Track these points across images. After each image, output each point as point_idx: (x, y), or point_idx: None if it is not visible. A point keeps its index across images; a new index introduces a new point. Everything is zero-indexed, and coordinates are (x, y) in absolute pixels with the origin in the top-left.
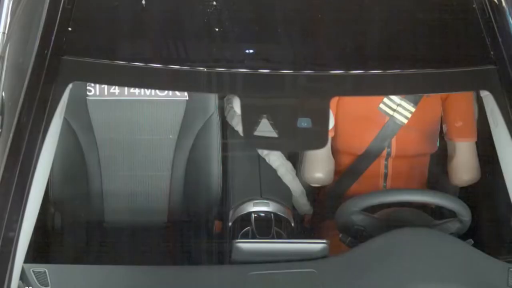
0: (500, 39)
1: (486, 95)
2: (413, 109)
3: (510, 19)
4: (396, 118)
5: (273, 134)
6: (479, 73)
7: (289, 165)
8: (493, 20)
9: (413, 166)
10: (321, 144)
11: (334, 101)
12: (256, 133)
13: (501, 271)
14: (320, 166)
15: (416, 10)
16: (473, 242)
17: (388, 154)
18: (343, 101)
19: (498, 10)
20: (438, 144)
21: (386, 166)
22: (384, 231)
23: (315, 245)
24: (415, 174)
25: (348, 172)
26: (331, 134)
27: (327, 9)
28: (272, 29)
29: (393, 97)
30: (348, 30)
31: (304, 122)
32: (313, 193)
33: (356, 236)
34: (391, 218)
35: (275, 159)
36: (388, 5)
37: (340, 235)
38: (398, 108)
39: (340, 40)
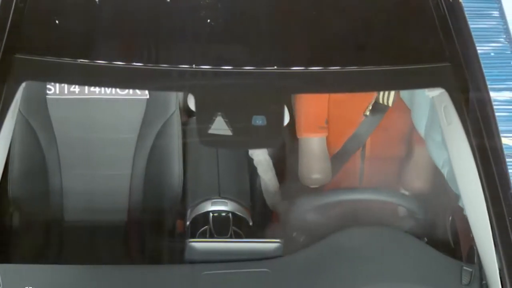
0: (454, 37)
1: (440, 92)
2: (389, 103)
3: (465, 16)
4: (371, 118)
5: (228, 131)
6: (433, 70)
7: (270, 162)
8: (448, 17)
9: (388, 168)
10: (276, 142)
11: (324, 105)
12: (210, 130)
13: (455, 269)
14: (317, 167)
15: (372, 8)
16: (426, 240)
17: (363, 155)
18: (332, 101)
19: (453, 7)
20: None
21: (362, 167)
22: (338, 230)
23: (269, 245)
24: (389, 176)
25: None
26: (325, 134)
27: (283, 7)
28: (228, 27)
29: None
30: (303, 28)
31: (258, 120)
32: (290, 188)
33: (310, 234)
34: (345, 217)
35: (259, 153)
36: (344, 3)
37: (294, 234)
38: (374, 107)
39: (295, 38)
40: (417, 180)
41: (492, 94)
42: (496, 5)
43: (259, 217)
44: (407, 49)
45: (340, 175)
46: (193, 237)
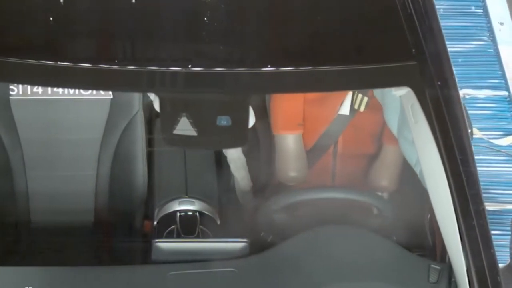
0: (421, 35)
1: (406, 91)
2: (361, 109)
3: (431, 14)
4: (344, 116)
5: (192, 132)
6: (400, 69)
7: (244, 160)
8: (414, 15)
9: (360, 166)
10: (241, 142)
11: (300, 102)
12: (175, 131)
13: (422, 267)
14: (294, 165)
15: (338, 6)
16: (395, 238)
17: (335, 152)
18: (307, 100)
19: (419, 5)
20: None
21: (334, 164)
22: (306, 229)
23: (235, 244)
24: (361, 174)
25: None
26: (301, 131)
27: (246, 6)
28: (192, 27)
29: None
30: (267, 27)
31: (223, 120)
32: (262, 186)
33: (278, 234)
34: (313, 216)
35: (233, 151)
36: (312, 3)
37: (262, 233)
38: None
39: (259, 38)
40: (383, 178)
41: (473, 92)
42: (480, 3)
43: (227, 216)
44: (374, 48)
45: (312, 173)
46: (161, 237)
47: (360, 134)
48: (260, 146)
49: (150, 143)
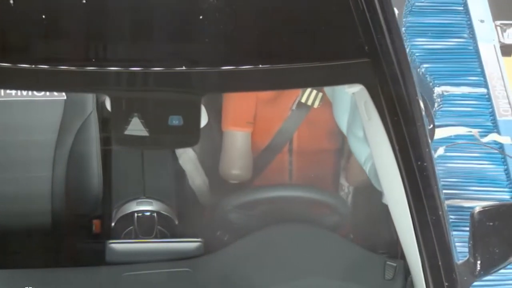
0: (373, 32)
1: (359, 88)
2: (315, 105)
3: (384, 11)
4: (297, 112)
5: (144, 132)
6: (353, 66)
7: (191, 153)
8: (366, 12)
9: (317, 162)
10: (193, 142)
11: (253, 100)
12: (127, 132)
13: (378, 264)
14: (238, 163)
15: (290, 3)
16: (352, 236)
17: (291, 150)
18: (259, 98)
19: (372, 2)
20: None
21: (290, 163)
22: (261, 228)
23: (190, 244)
24: (319, 171)
25: (252, 167)
26: (250, 129)
27: (196, 5)
28: (142, 27)
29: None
30: (217, 26)
31: (175, 120)
32: (219, 185)
33: (234, 233)
34: (269, 214)
35: (182, 150)
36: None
37: (219, 232)
38: (299, 103)
39: (210, 37)
40: (359, 172)
41: (452, 89)
42: (461, 0)
43: (185, 216)
44: (326, 45)
45: (268, 171)
46: (119, 238)
47: (316, 130)
48: (217, 144)
49: (106, 143)
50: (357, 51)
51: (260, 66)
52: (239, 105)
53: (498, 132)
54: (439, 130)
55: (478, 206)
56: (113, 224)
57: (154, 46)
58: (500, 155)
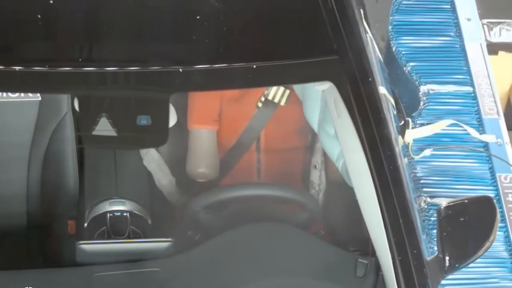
0: (342, 29)
1: (329, 86)
2: (282, 103)
3: (352, 9)
4: (264, 110)
5: (113, 132)
6: (322, 63)
7: (155, 153)
8: (335, 10)
9: (286, 160)
10: (161, 141)
11: (217, 99)
12: (95, 132)
13: (349, 262)
14: (204, 161)
15: (257, 2)
16: (323, 233)
17: (258, 148)
18: (224, 96)
19: (340, 0)
20: (310, 138)
21: (258, 161)
22: (231, 227)
23: (160, 244)
24: (288, 168)
25: (220, 166)
26: (216, 127)
27: (166, 4)
28: (109, 27)
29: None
30: (186, 25)
31: (143, 120)
32: (186, 184)
33: (205, 232)
34: (239, 214)
35: (145, 150)
36: None
37: (189, 232)
38: (266, 100)
39: (178, 36)
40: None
41: (437, 87)
42: None
43: (158, 216)
44: (295, 43)
45: (236, 170)
46: (92, 238)
47: (283, 128)
48: (186, 143)
49: (81, 143)
50: (325, 48)
51: (229, 65)
52: (204, 103)
53: (484, 131)
54: (424, 128)
55: (444, 201)
56: (86, 224)
57: (121, 46)
58: (485, 153)
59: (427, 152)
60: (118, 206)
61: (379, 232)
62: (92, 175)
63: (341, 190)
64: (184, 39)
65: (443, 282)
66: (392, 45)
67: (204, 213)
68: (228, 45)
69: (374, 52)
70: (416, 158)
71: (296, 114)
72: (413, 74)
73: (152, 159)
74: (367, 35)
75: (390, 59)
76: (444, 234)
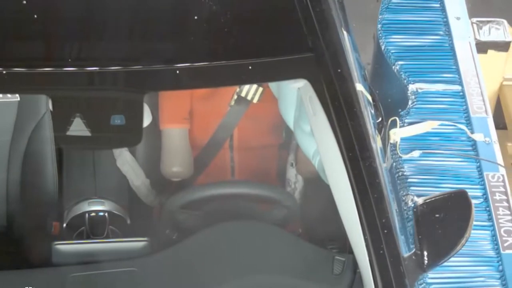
0: (317, 26)
1: (304, 83)
2: (255, 100)
3: (328, 6)
4: (236, 108)
5: (86, 132)
6: (297, 61)
7: (128, 155)
8: (310, 7)
9: (260, 158)
10: (136, 141)
11: (187, 97)
12: (69, 132)
13: (327, 259)
14: (178, 160)
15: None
16: (300, 231)
17: (232, 146)
18: (195, 95)
19: None
20: (284, 135)
21: (232, 159)
22: (207, 225)
23: (136, 243)
24: (262, 166)
25: (194, 164)
26: (187, 125)
27: (139, 4)
28: (82, 27)
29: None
30: (160, 24)
31: (117, 119)
32: (161, 184)
33: (183, 231)
34: (216, 212)
35: (115, 150)
36: None
37: (167, 231)
38: (239, 98)
39: (151, 35)
40: (310, 164)
41: (426, 86)
42: None
43: (137, 215)
44: (270, 41)
45: (210, 168)
46: (71, 239)
47: (257, 125)
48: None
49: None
50: (300, 46)
51: (204, 63)
52: (174, 102)
53: (472, 129)
54: (412, 127)
55: (421, 198)
56: (65, 224)
57: (95, 46)
58: (473, 152)
59: (416, 153)
60: (97, 206)
61: (355, 229)
62: (71, 175)
63: (318, 187)
64: (157, 38)
65: (429, 280)
66: (381, 43)
67: (181, 212)
68: (202, 43)
69: (352, 50)
70: (404, 157)
71: (269, 112)
72: (401, 73)
73: (125, 161)
74: (344, 32)
75: (379, 58)
76: (421, 231)
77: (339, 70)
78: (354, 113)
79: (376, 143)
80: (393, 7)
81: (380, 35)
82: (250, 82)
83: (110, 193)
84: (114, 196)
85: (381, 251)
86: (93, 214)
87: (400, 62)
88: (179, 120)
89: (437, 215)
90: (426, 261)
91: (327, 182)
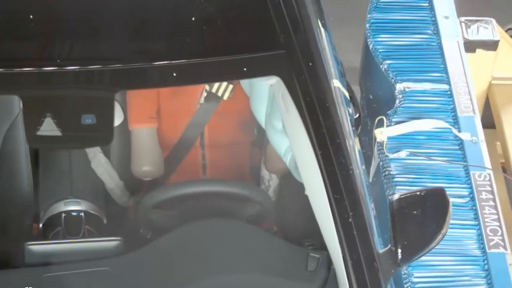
0: (289, 23)
1: (276, 80)
2: (225, 97)
3: (300, 2)
4: (207, 105)
5: (57, 132)
6: (269, 58)
7: (102, 157)
8: (282, 4)
9: (231, 155)
10: (107, 140)
11: (154, 96)
12: (40, 132)
13: (301, 256)
14: (147, 159)
15: None
16: (276, 229)
17: (202, 143)
18: (162, 93)
19: None
20: (256, 132)
21: (203, 157)
22: (181, 224)
23: (109, 243)
24: (234, 163)
25: (165, 164)
26: (155, 125)
27: (106, 2)
28: (52, 26)
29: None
30: (128, 22)
31: (88, 119)
32: (135, 185)
33: (157, 230)
34: (190, 211)
35: (89, 150)
36: None
37: (141, 230)
38: (209, 95)
39: (121, 33)
40: (279, 161)
41: (413, 85)
42: None
43: (114, 215)
44: (242, 38)
45: (182, 167)
46: (47, 239)
47: (228, 122)
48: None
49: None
50: (273, 43)
51: (174, 61)
52: (140, 102)
53: (459, 129)
54: (399, 126)
55: (397, 193)
56: (41, 225)
57: (64, 45)
58: (459, 151)
59: (402, 154)
60: (73, 206)
61: (328, 225)
62: (47, 176)
63: (293, 185)
64: (126, 36)
65: (415, 280)
66: (369, 43)
67: (154, 211)
68: (172, 41)
69: (328, 46)
70: (391, 156)
71: (240, 109)
72: (389, 72)
73: (100, 163)
74: (319, 29)
75: (367, 57)
76: (397, 226)
77: (311, 67)
78: (326, 109)
79: (353, 139)
80: (382, 6)
81: (368, 34)
82: (222, 79)
83: (87, 193)
84: (91, 196)
85: (355, 248)
86: (69, 214)
87: (388, 61)
88: (145, 119)
89: (414, 212)
90: (400, 256)
91: (299, 179)
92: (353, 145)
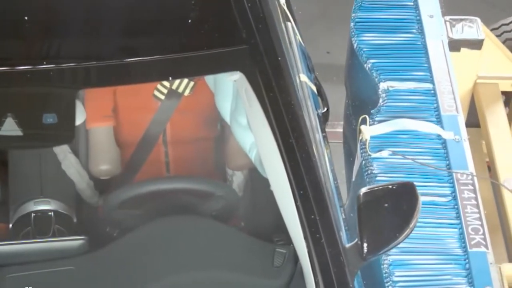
0: (251, 18)
1: (239, 76)
2: (186, 93)
3: None
4: (168, 102)
5: (18, 132)
6: (231, 53)
7: (72, 158)
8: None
9: (195, 152)
10: (68, 139)
11: (109, 94)
12: (0, 132)
13: (268, 252)
14: (104, 158)
15: None
16: (243, 225)
17: (165, 141)
18: (119, 91)
19: None
20: (219, 128)
21: (166, 154)
22: (146, 221)
23: (74, 242)
24: (198, 160)
25: (130, 162)
26: (112, 123)
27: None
28: (12, 24)
29: (165, 82)
30: (89, 20)
31: (49, 118)
32: (105, 184)
33: (124, 228)
34: (156, 208)
35: (59, 151)
36: None
37: (108, 229)
38: (169, 92)
39: (82, 31)
40: (241, 157)
41: (397, 84)
42: None
43: (84, 214)
44: (204, 33)
45: (146, 165)
46: (17, 239)
47: (190, 119)
48: None
49: None
50: (234, 38)
51: (135, 58)
52: (95, 101)
53: (442, 127)
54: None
55: (364, 187)
56: (10, 225)
57: (24, 43)
58: (442, 150)
59: (385, 153)
60: (43, 206)
61: (293, 221)
62: (16, 175)
63: (259, 180)
64: (86, 34)
65: (395, 279)
66: (353, 42)
67: (119, 210)
68: (133, 38)
69: (294, 40)
70: (374, 155)
71: (202, 104)
72: (373, 71)
73: (70, 164)
74: (283, 23)
75: (352, 56)
76: (363, 220)
77: (274, 62)
78: (289, 104)
79: (320, 134)
80: (366, 5)
81: (353, 33)
82: (185, 76)
83: (57, 192)
84: (61, 196)
85: (320, 242)
86: (39, 213)
87: (371, 60)
88: (99, 118)
89: (381, 205)
90: (365, 250)
91: (264, 175)
92: (320, 139)
